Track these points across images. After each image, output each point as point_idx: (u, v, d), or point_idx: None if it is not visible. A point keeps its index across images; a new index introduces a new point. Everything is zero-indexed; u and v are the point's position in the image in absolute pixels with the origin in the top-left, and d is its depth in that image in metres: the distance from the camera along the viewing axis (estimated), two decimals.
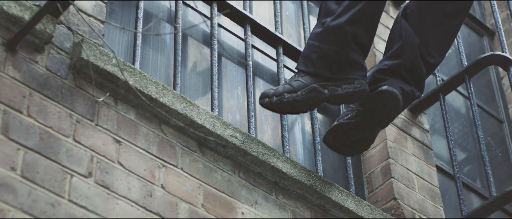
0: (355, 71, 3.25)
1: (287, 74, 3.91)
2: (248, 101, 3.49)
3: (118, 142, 2.81)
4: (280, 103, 3.20)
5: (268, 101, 3.20)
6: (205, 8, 3.75)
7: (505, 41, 4.11)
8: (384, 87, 3.30)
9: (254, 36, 3.82)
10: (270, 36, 3.84)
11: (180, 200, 2.85)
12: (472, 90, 3.93)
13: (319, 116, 3.93)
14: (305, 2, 4.14)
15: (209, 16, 3.68)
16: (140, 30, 3.24)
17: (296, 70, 3.32)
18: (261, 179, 3.16)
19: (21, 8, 2.73)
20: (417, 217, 3.65)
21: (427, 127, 4.10)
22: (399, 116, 3.99)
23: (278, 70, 3.74)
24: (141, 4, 3.33)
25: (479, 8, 5.50)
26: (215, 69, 3.44)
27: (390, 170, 3.73)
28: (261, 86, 3.82)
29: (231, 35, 3.85)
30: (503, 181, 4.62)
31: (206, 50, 3.69)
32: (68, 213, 2.54)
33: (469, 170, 4.60)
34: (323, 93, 3.21)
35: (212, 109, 3.30)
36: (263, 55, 3.92)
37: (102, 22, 3.03)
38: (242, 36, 3.82)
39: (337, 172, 3.81)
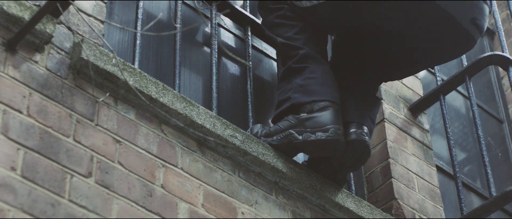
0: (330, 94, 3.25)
1: None
2: (247, 101, 3.49)
3: (118, 142, 2.81)
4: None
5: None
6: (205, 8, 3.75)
7: (505, 41, 4.11)
8: (353, 136, 3.29)
9: (254, 36, 3.81)
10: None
11: (180, 200, 2.85)
12: (472, 90, 3.93)
13: None
14: None
15: (209, 16, 3.68)
16: (140, 30, 3.24)
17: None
18: (261, 179, 3.16)
19: (21, 8, 2.73)
20: (417, 217, 3.65)
21: (427, 127, 4.09)
22: (399, 115, 3.99)
23: (278, 70, 3.74)
24: (141, 4, 3.33)
25: None
26: (215, 69, 3.44)
27: (390, 170, 3.73)
28: (261, 86, 3.81)
29: (231, 35, 3.85)
30: (503, 181, 4.61)
31: (206, 50, 3.68)
32: (68, 213, 2.53)
33: (469, 170, 4.60)
34: (297, 138, 3.21)
35: (212, 109, 3.30)
36: (263, 55, 3.92)
37: (102, 22, 3.03)
38: (242, 36, 3.82)
39: None
